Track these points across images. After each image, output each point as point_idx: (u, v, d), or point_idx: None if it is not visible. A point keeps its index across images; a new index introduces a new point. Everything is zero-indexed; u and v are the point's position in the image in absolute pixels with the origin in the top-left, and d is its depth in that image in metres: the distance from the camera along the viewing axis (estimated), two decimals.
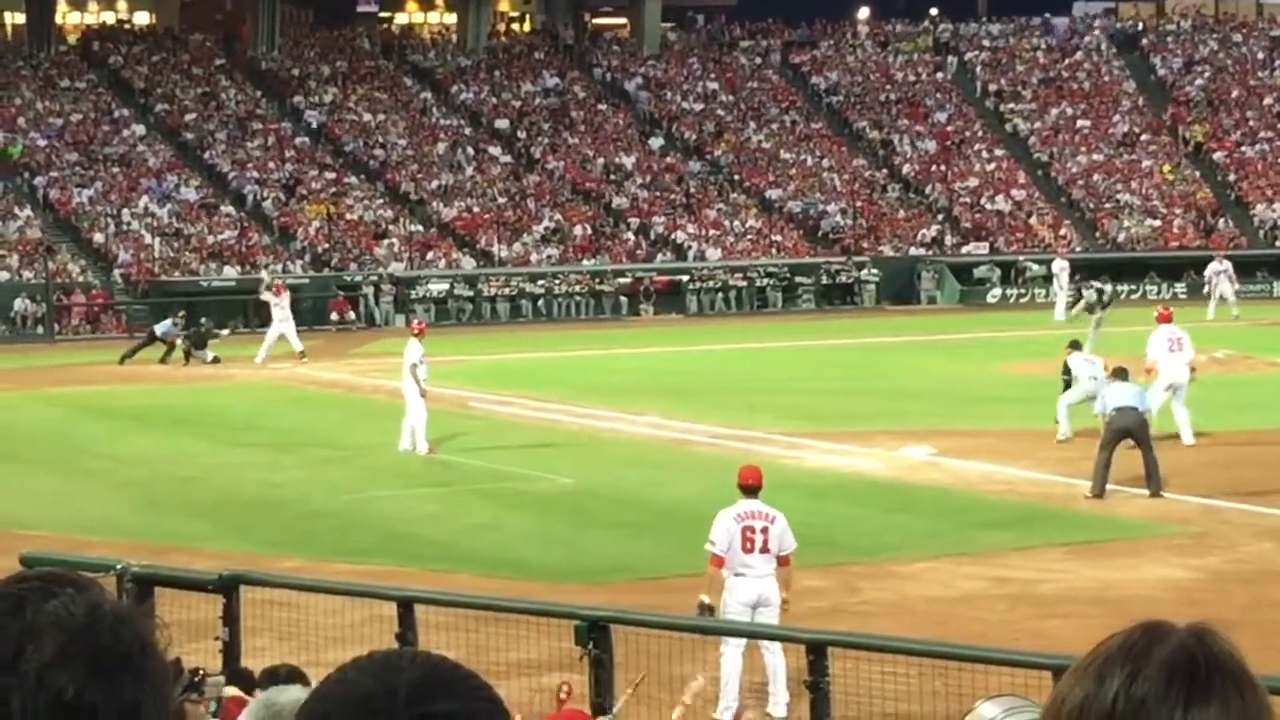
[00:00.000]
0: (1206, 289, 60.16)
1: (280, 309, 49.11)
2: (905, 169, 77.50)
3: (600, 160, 74.93)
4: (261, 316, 52.15)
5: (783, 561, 15.99)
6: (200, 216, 67.55)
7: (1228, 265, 60.34)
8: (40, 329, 60.51)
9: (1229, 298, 58.72)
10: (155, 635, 2.35)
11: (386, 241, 67.60)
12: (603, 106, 79.08)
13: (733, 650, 15.61)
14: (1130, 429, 25.64)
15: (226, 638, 13.43)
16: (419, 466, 30.40)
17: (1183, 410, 30.40)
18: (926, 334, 54.00)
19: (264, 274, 54.43)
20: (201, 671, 9.54)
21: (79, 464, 31.25)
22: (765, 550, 15.89)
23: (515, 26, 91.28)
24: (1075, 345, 32.12)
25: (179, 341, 49.19)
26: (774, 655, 15.69)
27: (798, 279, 68.25)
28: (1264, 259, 71.22)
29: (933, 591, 20.42)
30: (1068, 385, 30.88)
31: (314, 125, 74.70)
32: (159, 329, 50.20)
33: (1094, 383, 29.38)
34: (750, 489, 16.23)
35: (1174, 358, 30.54)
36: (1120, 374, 26.78)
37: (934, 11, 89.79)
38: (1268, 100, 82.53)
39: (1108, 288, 49.68)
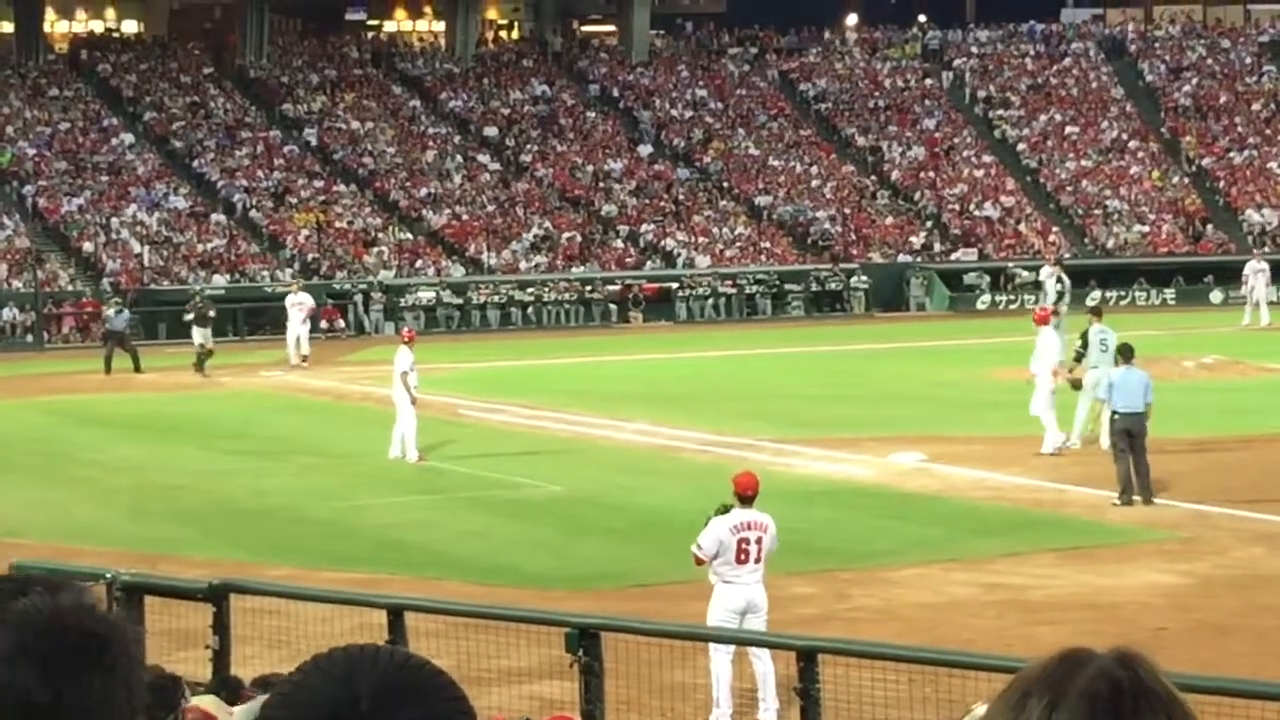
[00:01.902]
0: (1244, 290, 59.55)
1: (299, 310, 49.97)
2: (894, 176, 77.51)
3: (589, 167, 74.90)
4: (250, 325, 51.83)
5: None
6: (189, 225, 67.48)
7: (1265, 266, 59.75)
8: (30, 338, 60.47)
9: (1261, 301, 58.05)
10: (127, 632, 2.35)
11: (375, 249, 67.58)
12: (591, 114, 79.08)
13: (721, 657, 15.58)
14: (1131, 431, 25.68)
15: (216, 646, 13.40)
16: (409, 474, 30.38)
17: (1052, 415, 30.42)
18: (916, 340, 54.00)
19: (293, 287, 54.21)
20: (183, 688, 9.47)
21: (68, 472, 31.21)
22: (758, 560, 15.87)
23: (504, 34, 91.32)
24: (1096, 313, 31.91)
25: (201, 342, 48.53)
26: (763, 662, 15.66)
27: (787, 286, 68.21)
28: None
29: (923, 598, 20.40)
30: (1079, 358, 30.68)
31: (303, 133, 74.64)
32: (111, 325, 49.95)
33: (1104, 353, 29.30)
34: (747, 500, 16.12)
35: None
36: (1126, 354, 26.58)
37: (922, 18, 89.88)
38: (1255, 106, 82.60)
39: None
